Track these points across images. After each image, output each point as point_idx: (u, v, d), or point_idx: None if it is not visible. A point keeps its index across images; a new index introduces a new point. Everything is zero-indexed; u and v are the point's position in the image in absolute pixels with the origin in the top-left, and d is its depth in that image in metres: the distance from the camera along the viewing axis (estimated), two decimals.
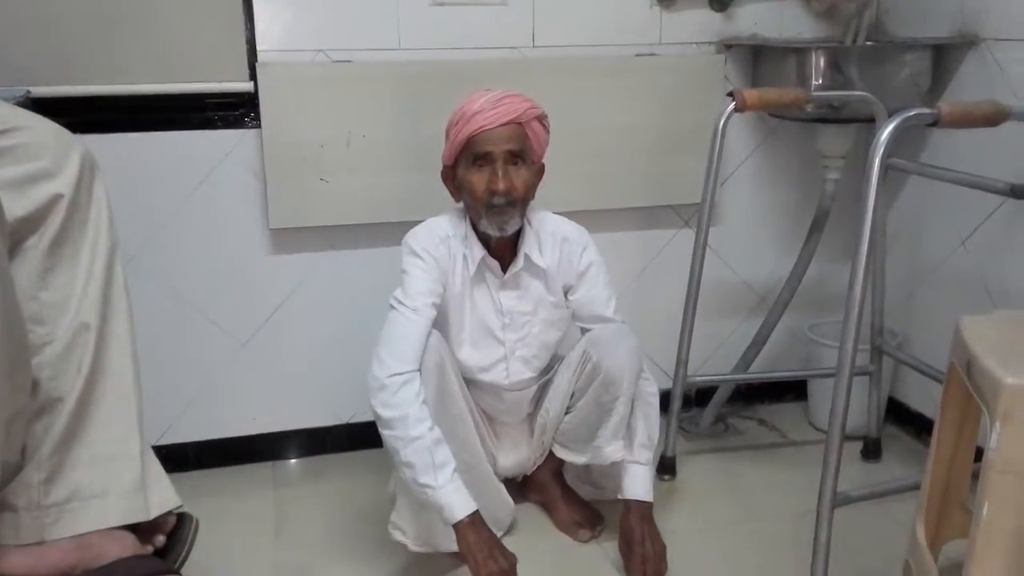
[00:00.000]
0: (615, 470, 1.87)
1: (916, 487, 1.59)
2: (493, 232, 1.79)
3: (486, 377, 1.90)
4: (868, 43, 2.28)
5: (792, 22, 2.33)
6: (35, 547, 1.50)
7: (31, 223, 1.50)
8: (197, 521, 1.74)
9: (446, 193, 1.86)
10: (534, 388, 1.97)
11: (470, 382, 1.90)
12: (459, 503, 1.66)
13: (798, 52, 2.14)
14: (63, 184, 1.52)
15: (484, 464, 1.90)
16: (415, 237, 1.83)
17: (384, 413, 1.68)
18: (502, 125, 1.73)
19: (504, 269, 1.85)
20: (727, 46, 2.30)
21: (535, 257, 1.85)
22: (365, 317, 2.02)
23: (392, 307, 1.77)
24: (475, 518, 1.67)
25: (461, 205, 1.85)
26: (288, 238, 2.16)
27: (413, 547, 1.79)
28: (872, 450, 2.28)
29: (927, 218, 2.30)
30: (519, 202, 1.77)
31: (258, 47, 2.05)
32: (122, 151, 2.00)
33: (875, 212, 1.54)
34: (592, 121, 2.22)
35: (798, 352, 2.51)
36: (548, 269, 1.87)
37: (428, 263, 1.79)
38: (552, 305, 1.89)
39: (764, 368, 2.48)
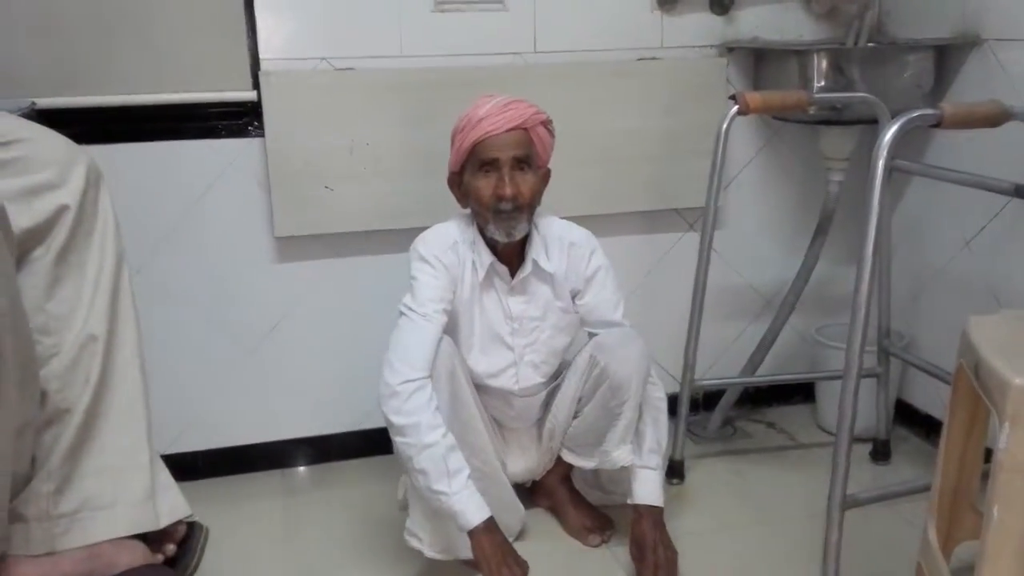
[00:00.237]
0: (624, 475, 1.86)
1: (926, 489, 1.59)
2: (500, 237, 1.79)
3: (495, 383, 1.90)
4: (870, 44, 2.28)
5: (793, 24, 2.34)
6: (46, 557, 1.51)
7: (37, 234, 1.51)
8: (207, 529, 1.75)
9: (450, 199, 1.86)
10: (543, 394, 1.97)
11: (479, 388, 1.89)
12: (473, 509, 1.66)
13: (800, 54, 2.14)
14: (69, 195, 1.53)
15: (497, 470, 1.90)
16: (424, 243, 1.82)
17: (397, 420, 1.67)
18: (508, 131, 1.73)
19: (512, 274, 1.85)
20: (729, 49, 2.30)
21: (543, 262, 1.85)
22: (372, 323, 2.03)
23: (402, 313, 1.77)
24: (490, 524, 1.67)
25: (468, 211, 1.85)
26: (293, 246, 2.17)
27: (429, 553, 1.78)
28: (881, 452, 2.27)
29: (932, 219, 2.29)
30: (526, 207, 1.77)
31: (261, 56, 2.05)
32: (127, 161, 2.00)
33: (880, 213, 1.54)
34: (595, 125, 2.22)
35: (805, 354, 2.51)
36: (556, 274, 1.87)
37: (438, 269, 1.79)
38: (560, 310, 1.89)
39: (771, 371, 2.48)
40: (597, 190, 2.26)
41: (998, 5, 2.03)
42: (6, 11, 1.89)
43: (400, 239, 1.93)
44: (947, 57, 2.15)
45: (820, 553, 1.60)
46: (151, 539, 1.62)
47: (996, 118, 1.58)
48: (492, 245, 1.83)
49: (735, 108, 1.95)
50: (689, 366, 2.13)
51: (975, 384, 1.36)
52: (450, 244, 1.82)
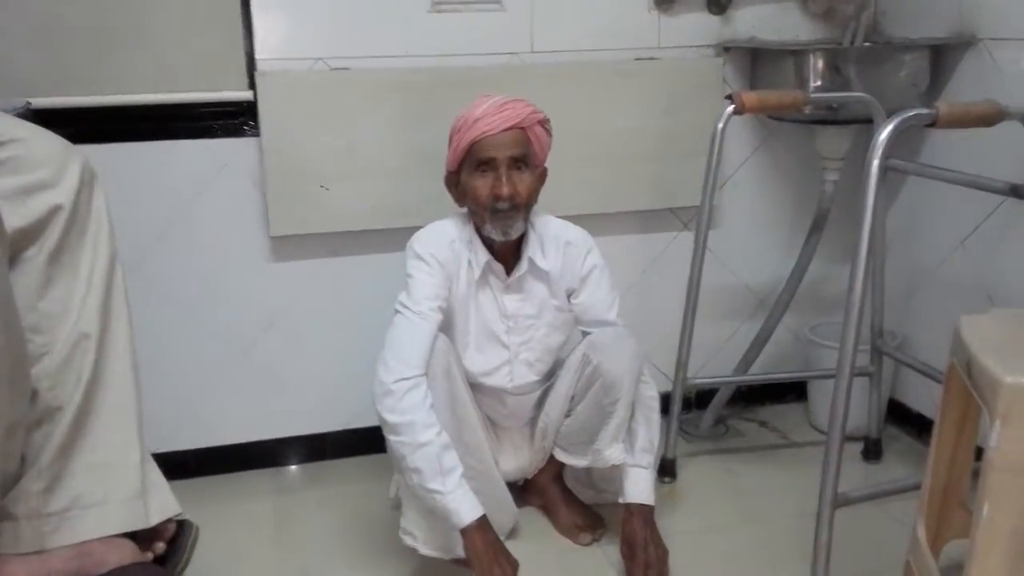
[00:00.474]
0: (616, 473, 1.87)
1: (917, 487, 1.59)
2: (497, 236, 1.79)
3: (489, 381, 1.90)
4: (866, 44, 2.29)
5: (790, 24, 2.34)
6: (35, 556, 1.51)
7: (31, 234, 1.50)
8: (197, 528, 1.74)
9: (447, 199, 1.86)
10: (537, 392, 1.97)
11: (473, 386, 1.89)
12: (467, 508, 1.66)
13: (796, 54, 2.14)
14: (63, 195, 1.53)
15: (491, 468, 1.90)
16: (420, 241, 1.83)
17: (391, 418, 1.67)
18: (505, 130, 1.73)
19: (508, 273, 1.85)
20: (725, 49, 2.30)
21: (538, 260, 1.85)
22: (366, 323, 2.03)
23: (397, 311, 1.77)
24: (483, 523, 1.67)
25: (465, 210, 1.85)
26: (289, 245, 2.17)
27: (424, 551, 1.78)
28: (872, 451, 2.28)
29: (926, 219, 2.30)
30: (522, 206, 1.77)
31: (257, 56, 2.05)
32: (122, 161, 2.00)
33: (874, 213, 1.54)
34: (591, 125, 2.22)
35: (798, 353, 2.51)
36: (551, 272, 1.87)
37: (433, 267, 1.79)
38: (556, 308, 1.90)
39: (764, 370, 2.48)
40: (592, 189, 2.26)
41: (993, 5, 2.03)
42: (1, 12, 1.88)
43: (396, 238, 1.93)
44: (943, 57, 2.15)
45: (811, 551, 1.60)
46: (141, 537, 1.61)
47: (991, 118, 1.58)
48: (488, 243, 1.83)
49: (731, 107, 1.95)
50: (682, 365, 2.14)
51: (967, 382, 1.36)
52: (446, 242, 1.82)
